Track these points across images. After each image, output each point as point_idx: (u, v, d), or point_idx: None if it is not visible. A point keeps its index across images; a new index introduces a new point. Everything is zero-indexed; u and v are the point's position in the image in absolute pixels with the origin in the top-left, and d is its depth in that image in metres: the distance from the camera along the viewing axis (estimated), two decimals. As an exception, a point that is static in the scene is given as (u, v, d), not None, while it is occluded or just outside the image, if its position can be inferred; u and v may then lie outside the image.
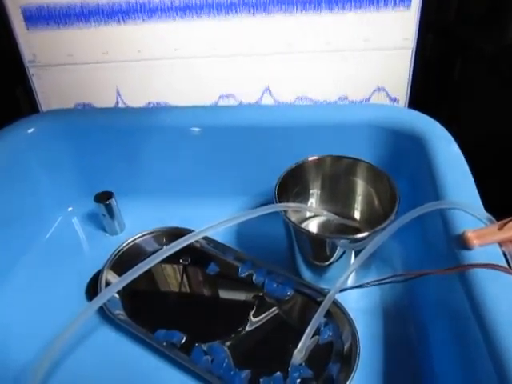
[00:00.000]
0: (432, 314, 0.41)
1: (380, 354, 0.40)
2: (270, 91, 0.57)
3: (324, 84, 0.56)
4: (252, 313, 0.43)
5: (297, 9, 0.51)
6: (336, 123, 0.51)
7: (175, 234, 0.48)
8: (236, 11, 0.52)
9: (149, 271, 0.47)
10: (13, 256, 0.50)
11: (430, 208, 0.38)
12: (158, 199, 0.56)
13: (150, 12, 0.52)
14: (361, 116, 0.51)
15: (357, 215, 0.51)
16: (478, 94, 0.55)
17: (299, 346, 0.39)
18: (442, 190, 0.40)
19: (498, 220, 0.36)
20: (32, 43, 0.54)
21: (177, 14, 0.52)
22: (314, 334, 0.40)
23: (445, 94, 0.56)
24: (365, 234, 0.40)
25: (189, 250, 0.48)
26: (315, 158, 0.49)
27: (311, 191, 0.51)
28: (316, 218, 0.52)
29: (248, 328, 0.42)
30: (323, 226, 0.51)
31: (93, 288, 0.47)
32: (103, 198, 0.51)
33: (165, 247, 0.40)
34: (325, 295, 0.40)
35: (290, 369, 0.38)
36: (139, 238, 0.50)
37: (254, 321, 0.43)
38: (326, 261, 0.43)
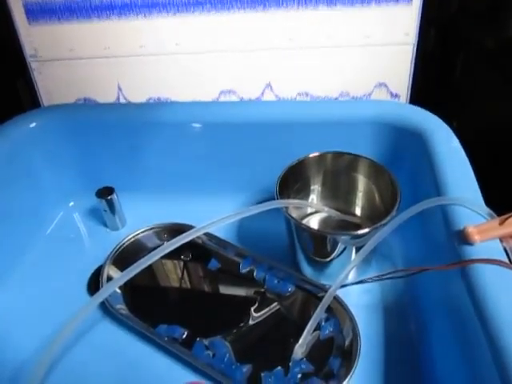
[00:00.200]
0: (433, 310, 0.41)
1: (380, 349, 0.40)
2: (271, 87, 0.57)
3: (325, 80, 0.56)
4: (253, 308, 0.44)
5: (298, 4, 0.51)
6: (337, 119, 0.51)
7: (176, 229, 0.48)
8: (237, 7, 0.52)
9: (150, 267, 0.47)
10: (14, 251, 0.50)
11: (430, 204, 0.38)
12: (159, 195, 0.56)
13: (152, 7, 0.52)
14: (362, 112, 0.51)
15: (358, 211, 0.51)
16: (479, 90, 0.55)
17: (300, 341, 0.39)
18: (442, 185, 0.40)
19: (498, 215, 0.36)
20: (33, 38, 0.54)
21: (178, 9, 0.52)
22: (314, 330, 0.40)
23: (446, 90, 0.56)
24: (366, 230, 0.40)
25: (190, 245, 0.48)
26: (316, 154, 0.49)
27: (312, 187, 0.51)
28: (317, 214, 0.52)
29: (249, 323, 0.42)
30: (324, 222, 0.51)
31: (94, 283, 0.47)
32: (104, 193, 0.51)
33: (166, 243, 0.40)
34: (326, 291, 0.40)
35: (290, 363, 0.39)
36: (141, 233, 0.50)
37: (255, 316, 0.43)
38: (327, 257, 0.44)
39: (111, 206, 0.52)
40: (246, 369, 0.39)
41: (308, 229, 0.44)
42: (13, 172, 0.50)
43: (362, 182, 0.49)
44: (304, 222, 0.50)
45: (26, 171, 0.52)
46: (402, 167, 0.48)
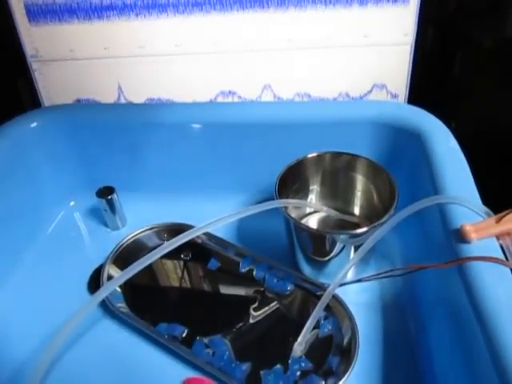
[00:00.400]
0: (431, 308, 0.41)
1: (379, 347, 0.41)
2: (270, 88, 0.57)
3: (324, 80, 0.56)
4: (253, 307, 0.44)
5: (297, 5, 0.52)
6: (335, 119, 0.51)
7: (176, 229, 0.49)
8: (237, 7, 0.52)
9: (151, 266, 0.48)
10: (15, 250, 0.50)
11: (428, 202, 0.38)
12: (159, 195, 0.56)
13: (152, 8, 0.52)
14: (360, 112, 0.52)
15: (356, 211, 0.52)
16: (478, 89, 0.56)
17: (299, 339, 0.40)
18: (440, 184, 0.40)
19: (495, 213, 0.36)
20: (34, 38, 0.54)
21: (177, 11, 0.52)
22: (313, 328, 0.40)
23: (444, 90, 0.56)
24: (364, 229, 0.41)
25: (190, 245, 0.48)
26: (315, 154, 0.49)
27: (311, 187, 0.52)
28: (316, 213, 0.52)
29: (249, 322, 0.43)
30: (323, 222, 0.51)
31: (95, 282, 0.47)
32: (105, 193, 0.52)
33: (166, 242, 0.40)
34: (325, 290, 0.40)
35: (290, 361, 0.39)
36: (141, 232, 0.50)
37: (255, 315, 0.43)
38: (326, 256, 0.44)
39: (111, 205, 0.52)
40: (246, 367, 0.39)
41: (307, 228, 0.44)
42: (14, 171, 0.50)
43: (360, 182, 0.50)
44: (303, 221, 0.51)
45: (27, 171, 0.52)
46: (400, 167, 0.48)
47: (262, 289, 0.45)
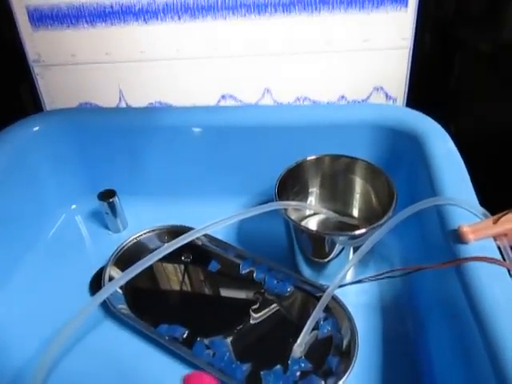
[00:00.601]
0: (429, 308, 0.41)
1: (378, 348, 0.41)
2: (270, 91, 0.58)
3: (323, 84, 0.57)
4: (253, 309, 0.44)
5: (296, 9, 0.52)
6: (334, 123, 0.52)
7: (177, 231, 0.49)
8: (236, 13, 0.53)
9: (152, 268, 0.48)
10: (17, 253, 0.50)
11: (426, 204, 0.38)
12: (159, 198, 0.57)
13: (152, 13, 0.53)
14: (359, 115, 0.52)
15: (355, 213, 0.52)
16: (475, 92, 0.56)
17: (299, 340, 0.40)
18: (438, 186, 0.41)
19: (492, 215, 0.36)
20: (36, 43, 0.55)
21: (178, 17, 0.53)
22: (313, 329, 0.40)
23: (442, 93, 0.57)
24: (363, 231, 0.41)
25: (190, 247, 0.49)
26: (314, 157, 0.49)
27: (310, 190, 0.52)
28: (315, 216, 0.53)
29: (249, 323, 0.43)
30: (322, 224, 0.52)
31: (96, 284, 0.47)
32: (106, 196, 0.52)
33: (166, 244, 0.41)
34: (324, 291, 0.41)
35: (289, 362, 0.39)
36: (142, 235, 0.51)
37: (255, 316, 0.43)
38: (326, 257, 0.44)
39: (113, 208, 0.53)
40: (246, 367, 0.39)
41: (306, 230, 0.45)
42: (16, 175, 0.51)
43: (359, 184, 0.50)
44: (303, 223, 0.51)
45: (29, 174, 0.52)
46: (398, 169, 0.49)
47: (262, 290, 0.46)
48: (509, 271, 0.33)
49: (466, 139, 0.47)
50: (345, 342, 0.40)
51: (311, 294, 0.45)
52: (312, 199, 0.52)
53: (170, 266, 0.49)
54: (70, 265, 0.51)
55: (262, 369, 0.39)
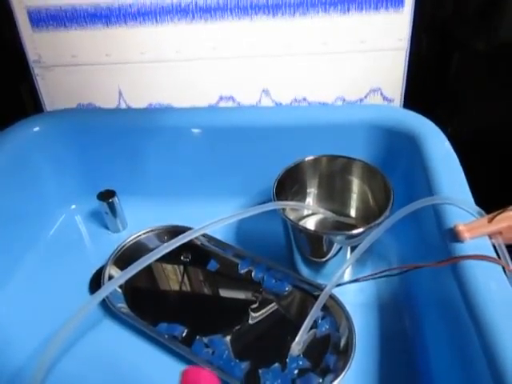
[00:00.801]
0: (427, 307, 0.42)
1: (376, 346, 0.41)
2: (268, 92, 0.58)
3: (321, 85, 0.57)
4: (251, 308, 0.44)
5: (294, 12, 0.52)
6: (332, 123, 0.52)
7: (176, 231, 0.49)
8: (235, 14, 0.53)
9: (151, 267, 0.49)
10: (17, 252, 0.51)
11: (423, 203, 0.39)
12: (159, 198, 0.57)
13: (153, 15, 0.53)
14: (356, 116, 0.52)
15: (353, 212, 0.52)
16: (472, 93, 0.56)
17: (297, 339, 0.40)
18: (434, 186, 0.41)
19: (487, 213, 0.37)
20: (37, 44, 0.55)
21: (178, 18, 0.53)
22: (311, 328, 0.41)
23: (439, 94, 0.57)
24: (360, 230, 0.41)
25: (189, 247, 0.49)
26: (312, 157, 0.50)
27: (308, 190, 0.52)
28: (313, 216, 0.53)
29: (247, 322, 0.43)
30: (320, 224, 0.52)
31: (96, 284, 0.48)
32: (106, 196, 0.52)
33: (166, 243, 0.41)
34: (322, 290, 0.41)
35: (288, 360, 0.39)
36: (142, 234, 0.51)
37: (254, 315, 0.44)
38: (323, 257, 0.45)
39: (112, 208, 0.53)
40: (245, 365, 0.39)
41: (304, 230, 0.45)
42: (16, 175, 0.51)
43: (356, 184, 0.50)
44: (301, 223, 0.51)
45: (29, 174, 0.53)
46: (395, 169, 0.49)
47: (261, 289, 0.46)
48: (504, 269, 0.33)
49: (462, 139, 0.47)
50: (342, 341, 0.40)
51: (309, 293, 0.45)
52: (310, 199, 0.53)
53: (169, 266, 0.50)
54: (69, 264, 0.51)
55: (260, 367, 0.39)
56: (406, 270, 0.40)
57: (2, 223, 0.48)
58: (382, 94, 0.57)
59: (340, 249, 0.43)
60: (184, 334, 0.42)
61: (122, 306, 0.45)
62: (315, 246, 0.45)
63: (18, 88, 0.59)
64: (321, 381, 0.38)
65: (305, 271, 0.47)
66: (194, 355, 0.40)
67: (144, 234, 0.51)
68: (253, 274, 0.48)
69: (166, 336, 0.42)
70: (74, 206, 0.58)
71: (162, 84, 0.58)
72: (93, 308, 0.39)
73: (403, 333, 0.42)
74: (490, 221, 0.35)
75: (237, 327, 0.43)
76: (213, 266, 0.49)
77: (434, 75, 0.56)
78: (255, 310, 0.44)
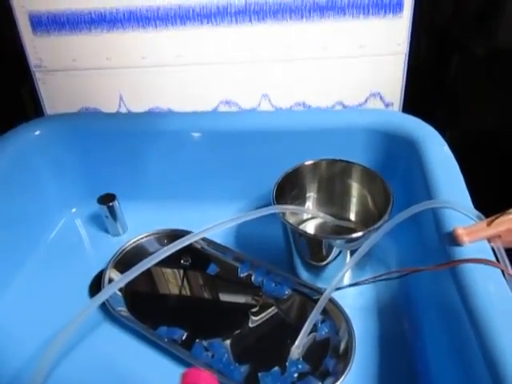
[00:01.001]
0: (426, 310, 0.42)
1: (375, 350, 0.41)
2: (268, 97, 0.58)
3: (320, 89, 0.58)
4: (251, 311, 0.44)
5: (294, 17, 0.53)
6: (331, 128, 0.53)
7: (176, 235, 0.49)
8: (235, 20, 0.53)
9: (151, 271, 0.49)
10: (17, 256, 0.51)
11: (422, 207, 0.39)
12: (159, 202, 0.57)
13: (153, 20, 0.54)
14: (356, 120, 0.53)
15: (352, 216, 0.53)
16: (471, 98, 0.57)
17: (297, 342, 0.40)
18: (433, 190, 0.41)
19: (486, 217, 0.37)
20: (38, 48, 0.56)
21: (177, 23, 0.54)
22: (311, 331, 0.41)
23: (438, 98, 0.57)
24: (360, 234, 0.42)
25: (189, 250, 0.49)
26: (311, 161, 0.50)
27: (308, 194, 0.52)
28: (313, 220, 0.53)
29: (247, 326, 0.43)
30: (320, 228, 0.52)
31: (96, 287, 0.48)
32: (106, 200, 0.53)
33: (165, 247, 0.41)
34: (322, 294, 0.41)
35: (287, 363, 0.39)
36: (142, 238, 0.51)
37: (253, 319, 0.44)
38: (323, 261, 0.45)
39: (112, 212, 0.53)
40: (244, 369, 0.39)
41: (304, 233, 0.45)
42: (17, 178, 0.51)
43: (355, 188, 0.51)
44: (300, 227, 0.51)
45: (30, 178, 0.53)
46: (394, 173, 0.49)
47: (261, 293, 0.46)
48: (503, 272, 0.33)
49: (461, 144, 0.47)
50: (342, 344, 0.41)
51: (309, 297, 0.45)
52: (309, 203, 0.53)
53: (169, 269, 0.50)
54: (70, 268, 0.51)
55: (260, 370, 0.39)
56: (406, 273, 0.41)
57: (3, 226, 0.48)
58: (381, 98, 0.57)
59: (339, 252, 0.44)
60: (184, 338, 0.42)
61: (122, 309, 0.45)
62: (315, 250, 0.45)
63: (19, 92, 0.59)
64: (320, 384, 0.38)
65: (304, 275, 0.48)
66: (194, 358, 0.40)
67: (144, 237, 0.52)
68: (252, 277, 0.48)
69: (166, 339, 0.42)
70: (74, 210, 0.59)
71: (163, 88, 0.58)
72: (93, 311, 0.39)
73: (403, 336, 0.42)
74: (489, 224, 0.35)
75: (236, 331, 0.43)
76: (212, 269, 0.49)
77: (433, 79, 0.56)
78: (255, 314, 0.44)
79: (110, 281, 0.47)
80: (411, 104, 0.57)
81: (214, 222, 0.42)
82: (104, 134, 0.55)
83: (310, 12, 0.52)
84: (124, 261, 0.49)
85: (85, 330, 0.43)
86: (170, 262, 0.47)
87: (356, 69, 0.56)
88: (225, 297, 0.47)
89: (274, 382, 0.38)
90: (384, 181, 0.46)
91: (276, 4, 0.52)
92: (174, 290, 0.48)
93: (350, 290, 0.46)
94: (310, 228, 0.52)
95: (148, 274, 0.48)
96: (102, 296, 0.39)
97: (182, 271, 0.49)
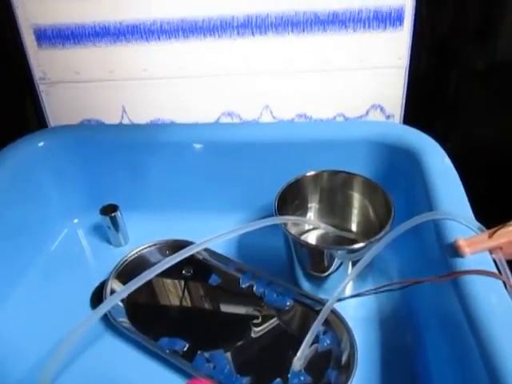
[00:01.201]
0: (428, 321, 0.42)
1: (377, 360, 0.41)
2: (269, 109, 0.59)
3: (322, 102, 0.58)
4: (253, 322, 0.44)
5: (295, 30, 0.53)
6: (333, 140, 0.53)
7: (178, 246, 0.49)
8: (237, 33, 0.54)
9: (152, 282, 0.49)
10: (19, 266, 0.51)
11: (423, 219, 0.39)
12: (161, 213, 0.57)
13: (155, 32, 0.54)
14: (357, 132, 0.53)
15: (354, 227, 0.53)
16: (471, 110, 0.57)
17: (299, 354, 0.40)
18: (435, 201, 0.41)
19: (488, 229, 0.37)
20: (42, 61, 0.56)
21: (180, 36, 0.54)
22: (313, 343, 0.41)
23: (438, 110, 0.58)
24: (361, 245, 0.42)
25: (191, 261, 0.49)
26: (313, 173, 0.50)
27: (309, 205, 0.53)
28: (314, 230, 0.53)
29: (249, 337, 0.43)
30: (321, 238, 0.52)
31: (97, 298, 0.48)
32: (108, 210, 0.53)
33: (167, 258, 0.41)
34: (323, 305, 0.41)
35: (289, 375, 0.39)
36: (144, 249, 0.52)
37: (255, 330, 0.44)
38: (325, 272, 0.45)
39: (115, 223, 0.53)
40: (246, 381, 0.39)
41: (306, 244, 0.45)
42: (20, 189, 0.51)
43: (357, 199, 0.51)
44: (302, 238, 0.51)
45: (33, 189, 0.53)
46: (396, 185, 0.49)
47: (262, 304, 0.46)
48: (504, 284, 0.33)
49: (461, 155, 0.48)
50: (344, 355, 0.40)
51: (311, 308, 0.45)
52: (311, 214, 0.53)
53: (170, 280, 0.50)
54: (71, 278, 0.51)
55: (261, 382, 0.39)
56: (407, 284, 0.40)
57: (5, 236, 0.49)
58: (382, 110, 0.58)
59: (341, 263, 0.44)
60: (185, 349, 0.42)
61: (124, 320, 0.45)
62: (316, 261, 0.45)
63: (22, 104, 0.60)
64: (322, 396, 0.38)
65: (306, 286, 0.48)
66: (195, 370, 0.40)
67: (146, 248, 0.52)
68: (254, 288, 0.48)
69: (167, 351, 0.42)
70: (76, 220, 0.59)
71: (165, 100, 0.59)
72: (94, 322, 0.39)
73: (405, 347, 0.42)
74: (491, 236, 0.35)
75: (238, 342, 0.43)
76: (214, 280, 0.49)
77: (434, 92, 0.57)
78: (256, 325, 0.44)
79: (112, 292, 0.47)
80: (412, 116, 0.58)
81: (215, 233, 0.42)
82: (106, 145, 0.55)
83: (312, 25, 0.53)
84: (126, 272, 0.49)
85: (86, 340, 0.43)
86: (172, 272, 0.47)
87: (357, 81, 0.56)
88: (226, 308, 0.47)
89: (275, 394, 0.38)
90: (385, 192, 0.46)
91: (278, 17, 0.53)
92: (176, 301, 0.48)
93: (352, 301, 0.46)
94: (311, 239, 0.52)
95: (149, 284, 0.48)
96: (104, 307, 0.39)
97: (183, 282, 0.49)
